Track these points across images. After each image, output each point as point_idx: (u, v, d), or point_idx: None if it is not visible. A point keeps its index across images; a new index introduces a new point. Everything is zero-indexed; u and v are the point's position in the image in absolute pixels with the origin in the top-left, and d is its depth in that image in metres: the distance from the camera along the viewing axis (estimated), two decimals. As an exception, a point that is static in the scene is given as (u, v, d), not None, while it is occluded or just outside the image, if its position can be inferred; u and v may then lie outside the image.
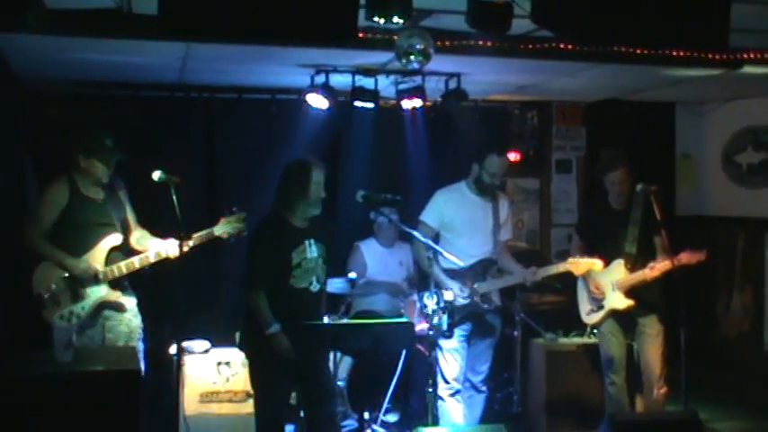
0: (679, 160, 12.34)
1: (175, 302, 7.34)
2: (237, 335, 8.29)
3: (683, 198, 12.12)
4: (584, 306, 8.65)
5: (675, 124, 12.31)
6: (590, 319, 8.61)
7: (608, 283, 8.32)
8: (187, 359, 8.31)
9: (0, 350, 7.09)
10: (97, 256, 7.58)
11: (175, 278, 7.42)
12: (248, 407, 8.38)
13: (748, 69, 8.54)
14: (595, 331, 8.82)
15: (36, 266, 7.52)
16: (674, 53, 7.71)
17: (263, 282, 7.22)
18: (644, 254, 8.17)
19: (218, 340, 8.80)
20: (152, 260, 7.38)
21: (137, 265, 7.63)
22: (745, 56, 8.25)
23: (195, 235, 7.65)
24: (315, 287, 7.29)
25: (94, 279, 7.54)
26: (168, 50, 7.95)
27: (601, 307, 8.42)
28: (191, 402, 8.35)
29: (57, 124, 9.44)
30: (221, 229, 7.68)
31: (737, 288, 11.60)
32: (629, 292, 8.20)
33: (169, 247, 7.62)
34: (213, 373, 8.46)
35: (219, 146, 10.47)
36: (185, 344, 8.14)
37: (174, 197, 7.03)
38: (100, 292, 7.59)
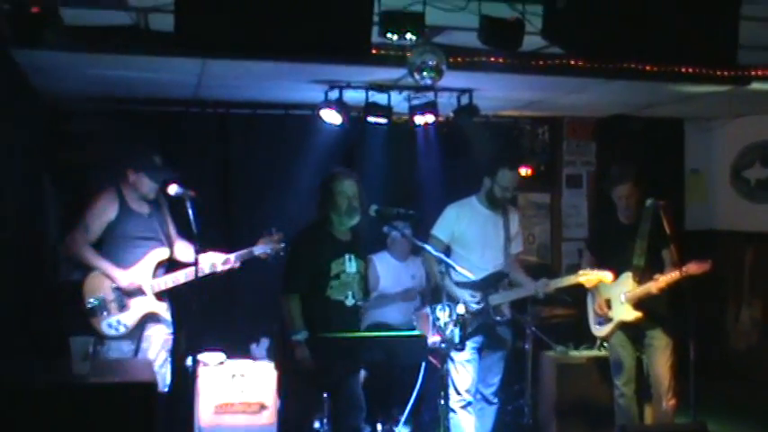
0: (688, 175, 12.34)
1: (191, 315, 7.35)
2: (268, 341, 8.46)
3: (693, 213, 12.11)
4: (594, 319, 8.64)
5: (684, 140, 12.32)
6: (599, 331, 8.60)
7: (617, 296, 8.31)
8: (202, 371, 8.29)
9: (18, 360, 7.09)
10: (144, 269, 7.75)
11: (190, 291, 7.44)
12: (262, 418, 8.39)
13: (756, 86, 8.51)
14: (605, 344, 8.80)
15: (85, 276, 7.72)
16: (683, 70, 7.69)
17: (296, 286, 7.35)
18: (652, 267, 8.16)
19: (233, 352, 8.79)
20: (197, 272, 7.41)
21: (182, 279, 7.77)
22: (753, 72, 8.22)
23: (236, 254, 7.88)
24: (350, 302, 7.39)
25: (141, 291, 7.67)
26: (184, 67, 7.98)
27: (609, 319, 8.40)
28: (205, 414, 8.32)
29: (74, 139, 9.47)
30: (261, 249, 7.91)
31: (746, 302, 11.58)
32: (638, 304, 8.19)
33: (219, 262, 7.82)
34: (228, 384, 8.44)
35: (234, 161, 10.50)
36: (200, 356, 8.13)
37: (191, 211, 7.07)
38: (146, 303, 7.78)
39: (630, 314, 8.21)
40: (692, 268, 7.84)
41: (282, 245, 7.91)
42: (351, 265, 7.42)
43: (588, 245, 9.27)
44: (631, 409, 8.46)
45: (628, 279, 8.24)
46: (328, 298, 7.32)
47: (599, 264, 8.40)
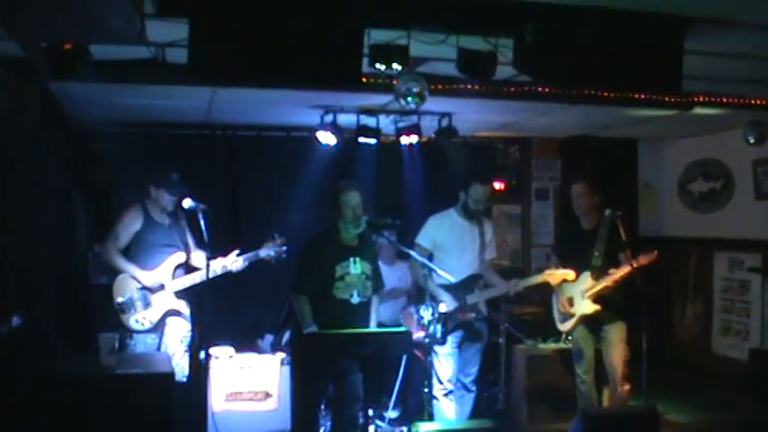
0: (641, 189, 12.36)
1: (204, 313, 7.37)
2: (272, 336, 8.51)
3: (645, 221, 12.14)
4: (558, 316, 8.66)
5: (638, 157, 12.34)
6: (564, 327, 8.61)
7: (577, 293, 8.32)
8: (214, 363, 8.30)
9: (54, 354, 7.11)
10: (165, 271, 7.87)
11: (203, 292, 7.46)
12: (267, 405, 8.43)
13: (699, 110, 8.58)
14: (569, 337, 8.81)
15: (114, 279, 7.82)
16: (636, 96, 7.71)
17: (305, 287, 7.43)
18: (608, 267, 8.14)
19: (241, 347, 8.79)
20: (207, 276, 7.42)
21: (198, 280, 7.88)
22: (696, 99, 8.28)
23: (244, 255, 7.97)
24: (355, 300, 7.43)
25: (162, 289, 7.79)
26: (196, 94, 7.99)
27: (572, 315, 8.41)
28: (217, 401, 8.34)
29: (101, 159, 9.49)
30: (265, 252, 8.01)
31: (690, 299, 11.60)
32: (596, 299, 8.20)
33: (229, 263, 7.92)
34: (237, 375, 8.45)
35: (241, 177, 10.52)
36: (212, 350, 8.14)
37: (203, 222, 7.12)
38: (167, 300, 7.87)
39: (590, 308, 8.21)
40: (641, 260, 7.85)
41: (284, 248, 7.97)
42: (355, 268, 7.45)
43: (554, 250, 9.31)
44: (591, 394, 8.47)
45: (587, 278, 8.24)
46: (335, 297, 7.37)
47: (564, 265, 8.43)
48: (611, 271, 8.07)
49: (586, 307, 8.25)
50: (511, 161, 11.93)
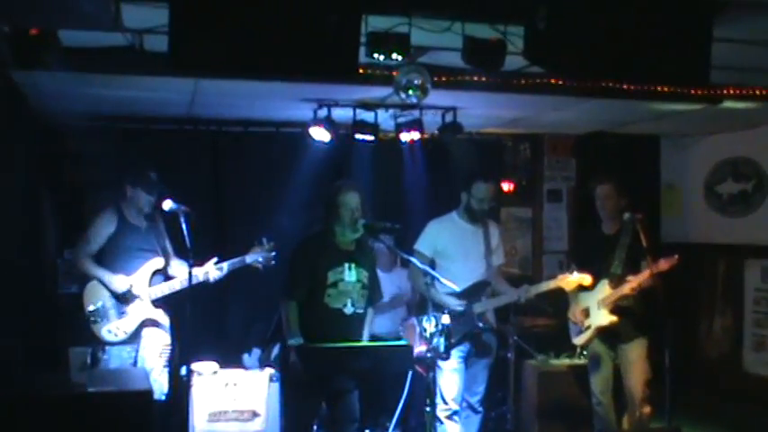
0: (664, 190, 12.35)
1: (186, 325, 7.34)
2: (259, 351, 8.49)
3: (668, 226, 12.13)
4: (572, 328, 8.63)
5: (660, 156, 12.33)
6: (578, 340, 8.58)
7: (594, 303, 8.29)
8: (196, 380, 8.28)
9: (18, 371, 7.09)
10: (141, 278, 7.86)
11: (185, 303, 7.42)
12: (254, 425, 8.40)
13: (728, 104, 8.55)
14: (585, 352, 8.79)
15: (85, 286, 7.83)
16: (659, 89, 7.71)
17: (294, 293, 7.35)
18: (629, 275, 8.11)
19: (226, 362, 8.78)
20: (189, 285, 7.40)
21: (177, 287, 7.89)
22: (725, 92, 8.26)
23: (228, 261, 7.97)
24: (349, 309, 7.35)
25: (137, 297, 7.78)
26: (178, 86, 7.98)
27: (587, 327, 8.39)
28: (199, 421, 8.32)
29: (72, 157, 9.47)
30: (252, 258, 8.00)
31: (719, 312, 11.59)
32: (613, 309, 8.16)
33: (209, 271, 7.91)
34: (221, 393, 8.43)
35: (226, 177, 10.53)
36: (194, 365, 8.13)
37: (184, 226, 7.10)
38: (143, 309, 7.87)
39: (607, 319, 8.17)
40: (661, 265, 7.82)
41: (273, 254, 7.97)
42: (350, 274, 7.37)
43: (572, 256, 9.24)
44: (609, 416, 8.43)
45: (604, 286, 8.21)
46: (326, 306, 7.29)
47: (581, 272, 8.40)
48: (628, 278, 8.05)
49: (603, 318, 8.22)
50: (521, 160, 11.93)
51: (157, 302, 7.91)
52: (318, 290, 7.31)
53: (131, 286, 7.77)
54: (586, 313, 8.39)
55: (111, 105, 9.12)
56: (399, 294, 9.66)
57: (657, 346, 7.90)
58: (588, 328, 8.38)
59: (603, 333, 8.32)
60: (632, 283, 7.99)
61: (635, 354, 8.23)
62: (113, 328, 7.73)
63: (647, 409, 8.16)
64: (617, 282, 8.14)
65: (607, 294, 8.17)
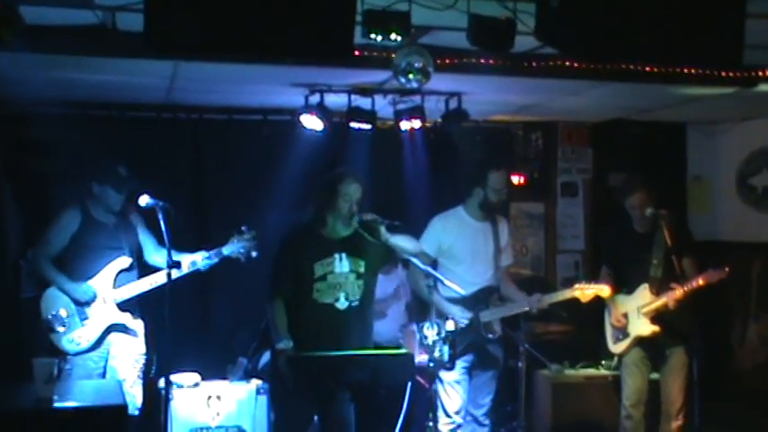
0: (691, 183, 12.34)
1: (163, 332, 7.32)
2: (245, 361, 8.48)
3: (696, 222, 12.08)
4: (611, 333, 8.62)
5: (687, 145, 12.32)
6: (616, 348, 8.58)
7: (633, 309, 8.30)
8: (176, 393, 8.27)
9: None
10: (105, 279, 7.85)
11: (163, 308, 7.40)
12: (241, 442, 8.40)
13: (763, 87, 8.53)
14: (621, 361, 8.77)
15: (42, 292, 7.84)
16: (685, 71, 7.70)
17: (279, 290, 7.32)
18: (669, 278, 8.11)
19: (209, 373, 8.77)
20: (161, 281, 7.37)
21: (146, 287, 7.86)
22: (761, 73, 8.24)
23: (203, 253, 7.94)
24: (342, 304, 7.30)
25: (102, 301, 7.77)
26: (155, 69, 7.95)
27: (626, 335, 8.39)
28: (179, 438, 8.33)
29: (36, 146, 9.43)
30: (231, 249, 7.99)
31: (753, 317, 11.58)
32: (655, 317, 8.17)
33: (183, 263, 7.89)
34: (203, 407, 8.42)
35: (209, 169, 10.49)
36: (174, 377, 8.11)
37: (162, 222, 7.08)
38: (108, 314, 7.84)
39: (647, 328, 8.19)
40: (710, 276, 7.85)
41: (254, 242, 7.91)
42: (341, 265, 7.33)
43: (602, 258, 9.18)
44: (637, 431, 8.44)
45: (645, 291, 8.24)
46: (315, 301, 7.26)
47: (615, 277, 8.40)
48: (672, 285, 8.04)
49: (643, 327, 8.23)
50: (532, 150, 11.92)
51: (123, 306, 7.87)
52: (305, 285, 7.26)
53: (95, 293, 7.75)
54: (626, 318, 8.39)
55: (80, 90, 9.11)
56: (396, 298, 9.64)
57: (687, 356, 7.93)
58: (628, 335, 8.38)
59: (643, 342, 8.32)
60: (677, 294, 7.99)
61: (679, 362, 8.26)
62: (75, 337, 7.71)
63: (681, 422, 8.19)
64: (658, 287, 8.15)
65: (648, 301, 8.18)
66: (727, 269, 7.86)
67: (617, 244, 8.99)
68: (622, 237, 8.75)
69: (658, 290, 8.15)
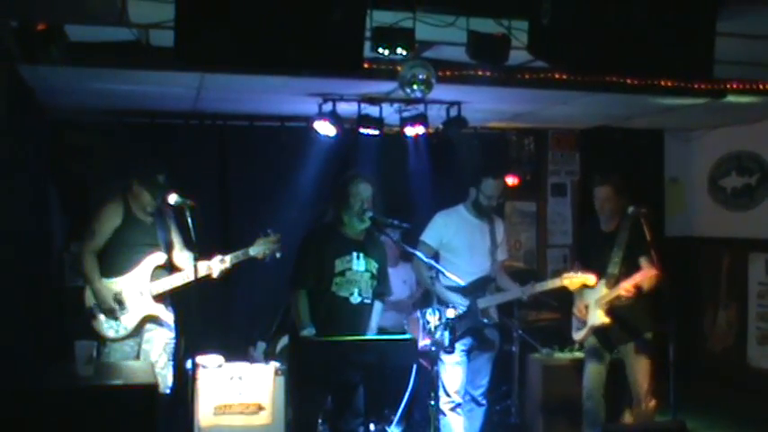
0: (667, 184, 12.34)
1: (190, 319, 7.33)
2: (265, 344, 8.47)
3: (672, 220, 12.11)
4: (574, 323, 8.62)
5: (664, 150, 12.32)
6: (577, 336, 8.56)
7: (592, 301, 8.27)
8: (201, 373, 8.26)
9: (25, 363, 7.09)
10: (142, 273, 7.78)
11: (190, 295, 7.41)
12: (260, 419, 8.34)
13: (732, 98, 8.55)
14: (583, 348, 8.77)
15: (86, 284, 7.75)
16: (662, 83, 7.71)
17: (302, 282, 7.37)
18: (627, 275, 8.07)
19: (231, 355, 8.76)
20: (194, 278, 7.35)
21: (179, 282, 7.77)
22: (729, 86, 8.25)
23: (231, 254, 7.85)
24: (355, 299, 7.36)
25: (139, 294, 7.73)
26: (183, 80, 7.97)
27: (585, 324, 8.37)
28: (205, 415, 8.29)
29: (78, 151, 9.46)
30: (256, 250, 7.86)
31: (723, 305, 11.59)
32: (609, 309, 8.12)
33: (212, 266, 7.77)
34: (226, 386, 8.41)
35: (232, 170, 10.52)
36: (199, 359, 8.11)
37: (190, 219, 7.06)
38: (145, 306, 7.79)
39: (599, 319, 8.12)
40: (637, 278, 7.82)
41: (278, 245, 7.89)
42: (358, 264, 7.40)
43: (575, 252, 9.22)
44: (597, 412, 8.28)
45: (602, 285, 8.19)
46: (333, 294, 7.31)
47: (585, 271, 8.38)
48: (623, 280, 8.02)
49: (597, 318, 8.17)
50: (525, 154, 11.93)
51: (158, 298, 7.86)
52: (326, 278, 7.32)
53: (118, 293, 7.72)
54: (587, 310, 8.38)
55: (116, 100, 9.13)
56: (404, 290, 9.64)
57: (662, 340, 7.90)
58: (585, 325, 8.36)
59: (598, 332, 8.29)
60: (624, 287, 7.95)
61: (635, 350, 8.19)
62: (114, 325, 7.68)
63: (652, 403, 8.13)
64: (613, 282, 8.09)
65: (603, 294, 8.12)
66: (655, 272, 7.79)
67: (586, 242, 9.04)
68: (590, 236, 8.73)
69: (613, 285, 8.09)
